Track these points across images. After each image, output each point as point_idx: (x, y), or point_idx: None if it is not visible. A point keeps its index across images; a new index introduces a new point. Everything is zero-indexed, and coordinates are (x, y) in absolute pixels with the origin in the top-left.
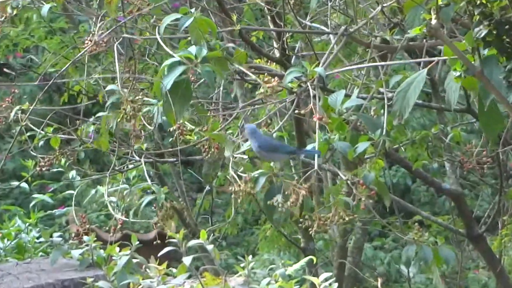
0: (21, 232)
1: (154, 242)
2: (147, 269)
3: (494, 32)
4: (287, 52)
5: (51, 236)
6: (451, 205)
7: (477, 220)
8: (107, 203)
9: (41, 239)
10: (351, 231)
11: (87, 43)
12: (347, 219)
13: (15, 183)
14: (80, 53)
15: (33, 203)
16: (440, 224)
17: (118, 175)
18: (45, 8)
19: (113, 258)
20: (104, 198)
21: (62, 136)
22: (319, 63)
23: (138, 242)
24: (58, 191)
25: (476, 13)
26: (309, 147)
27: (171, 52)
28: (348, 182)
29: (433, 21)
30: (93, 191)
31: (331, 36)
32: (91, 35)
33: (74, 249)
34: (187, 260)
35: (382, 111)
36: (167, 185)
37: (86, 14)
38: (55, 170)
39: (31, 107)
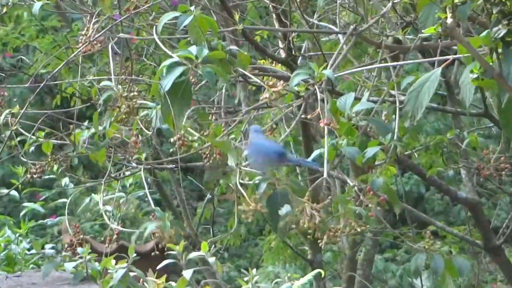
0: (10, 243)
1: (152, 254)
2: (145, 283)
3: None
4: (293, 52)
5: (42, 248)
6: (467, 214)
7: (495, 231)
8: (102, 212)
9: (32, 251)
10: (361, 242)
11: (81, 42)
12: (359, 230)
13: (5, 191)
14: (73, 54)
15: (23, 212)
16: (456, 235)
17: (113, 182)
18: (37, 5)
19: (109, 271)
20: (99, 207)
21: (55, 141)
22: (327, 65)
23: (135, 254)
24: (50, 200)
25: (494, 12)
26: (315, 153)
27: (169, 53)
28: (355, 188)
29: (449, 20)
30: (87, 200)
31: (340, 35)
32: (85, 33)
33: (68, 262)
34: (187, 273)
35: (393, 116)
36: (165, 193)
37: (80, 12)
38: (46, 177)
39: (22, 111)
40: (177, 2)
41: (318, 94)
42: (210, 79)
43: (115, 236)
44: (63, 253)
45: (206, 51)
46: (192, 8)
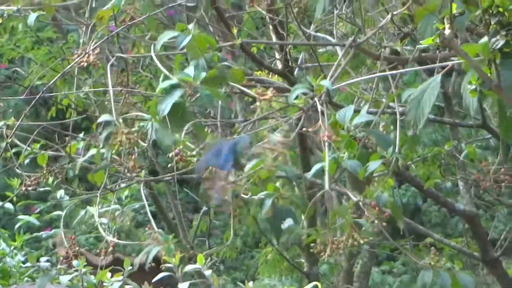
0: (5, 256)
1: (148, 266)
2: None
3: None
4: (290, 63)
5: (38, 260)
6: (465, 226)
7: (493, 243)
8: (97, 225)
9: (27, 264)
10: (358, 254)
11: (78, 55)
12: (362, 242)
13: None
14: (69, 65)
15: (18, 224)
16: (453, 247)
17: (109, 194)
18: (32, 17)
19: (104, 284)
20: (94, 219)
21: (50, 153)
22: (324, 76)
23: (130, 267)
24: (45, 212)
25: (492, 23)
26: (316, 167)
27: (167, 73)
28: (360, 203)
29: (447, 31)
30: (82, 212)
31: (337, 46)
32: (81, 45)
33: (63, 275)
34: (183, 286)
35: (392, 127)
36: (161, 205)
37: (76, 23)
38: (42, 189)
39: (18, 123)
40: (173, 13)
41: (319, 106)
42: (209, 101)
43: (110, 249)
44: (59, 266)
45: (204, 74)
46: (190, 26)
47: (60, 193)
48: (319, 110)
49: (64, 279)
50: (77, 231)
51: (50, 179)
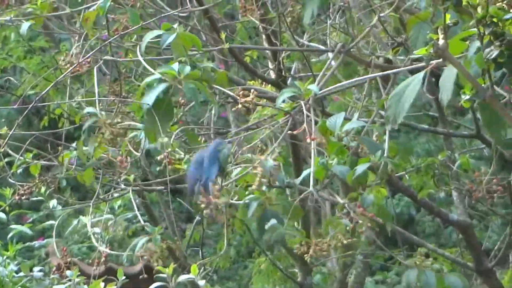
0: None
1: (141, 276)
2: None
3: (506, 53)
4: (283, 73)
5: (31, 270)
6: (459, 237)
7: (487, 253)
8: (90, 234)
9: (21, 273)
10: (352, 264)
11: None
12: (345, 242)
13: None
14: (62, 75)
15: (11, 234)
16: (447, 257)
17: (102, 204)
18: (24, 26)
19: None
20: (87, 229)
21: (43, 162)
22: (312, 80)
23: (124, 277)
24: (37, 222)
25: (486, 33)
26: (305, 172)
27: (152, 70)
28: (345, 205)
29: (441, 41)
30: (75, 222)
31: (330, 55)
32: (71, 54)
33: (56, 284)
34: None
35: (385, 136)
36: (154, 215)
37: (68, 32)
38: (34, 199)
39: (10, 132)
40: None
41: (305, 111)
42: (193, 95)
43: (103, 259)
44: (51, 276)
45: (188, 68)
46: (176, 25)
47: (53, 202)
48: (305, 114)
49: None
50: (69, 240)
51: (43, 189)
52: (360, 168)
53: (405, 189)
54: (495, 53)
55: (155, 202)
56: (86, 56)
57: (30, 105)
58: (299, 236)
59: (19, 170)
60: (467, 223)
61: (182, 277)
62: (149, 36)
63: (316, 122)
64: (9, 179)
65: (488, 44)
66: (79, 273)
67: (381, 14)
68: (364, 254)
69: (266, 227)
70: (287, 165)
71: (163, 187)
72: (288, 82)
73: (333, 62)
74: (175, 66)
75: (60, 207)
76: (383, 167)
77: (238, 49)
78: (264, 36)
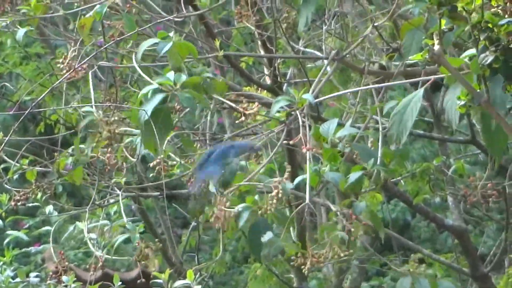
0: None
1: (138, 281)
2: None
3: (501, 59)
4: (278, 78)
5: (27, 276)
6: (454, 242)
7: (482, 258)
8: (86, 240)
9: (17, 279)
10: (347, 269)
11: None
12: (342, 255)
13: None
14: (58, 81)
15: (7, 240)
16: (443, 262)
17: (98, 210)
18: (20, 32)
19: None
20: (83, 235)
21: (39, 168)
22: (307, 89)
23: (120, 282)
24: (33, 227)
25: (482, 38)
26: (298, 179)
27: (148, 79)
28: (338, 213)
29: (436, 47)
30: (71, 227)
31: (325, 61)
32: (66, 59)
33: None
34: None
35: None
36: (150, 220)
37: (64, 39)
38: (30, 204)
39: (6, 138)
40: (162, 28)
41: (300, 119)
42: (189, 105)
43: (99, 264)
44: (48, 282)
45: (184, 77)
46: (171, 34)
47: (49, 208)
48: (300, 123)
49: None
50: (66, 246)
51: (39, 195)
52: (353, 176)
53: (400, 194)
54: (490, 58)
55: (151, 208)
56: (82, 62)
57: (26, 111)
58: (295, 248)
59: (15, 176)
60: (462, 228)
61: (178, 283)
62: (145, 45)
63: (309, 128)
64: (5, 185)
65: (483, 50)
66: (76, 279)
67: (376, 24)
68: (360, 260)
69: (263, 240)
70: (282, 171)
71: (158, 193)
72: (284, 87)
73: (328, 68)
74: (171, 75)
75: (56, 213)
76: (376, 175)
77: (234, 55)
78: (259, 42)
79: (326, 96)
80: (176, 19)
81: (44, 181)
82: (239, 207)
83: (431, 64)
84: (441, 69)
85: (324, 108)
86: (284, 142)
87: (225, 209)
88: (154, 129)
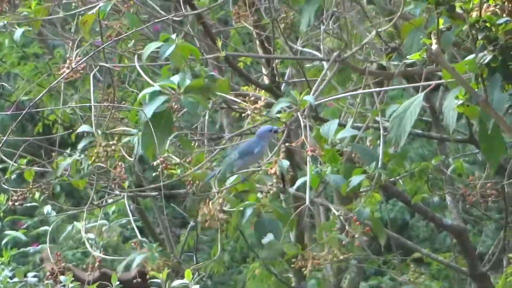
0: None
1: (134, 281)
2: None
3: (499, 58)
4: (276, 78)
5: (25, 276)
6: (453, 241)
7: (481, 258)
8: (84, 240)
9: (15, 279)
10: (346, 269)
11: (63, 70)
12: (341, 257)
13: None
14: (56, 81)
15: (5, 240)
16: (441, 262)
17: (96, 210)
18: (18, 32)
19: None
20: (81, 235)
21: (37, 168)
22: (310, 91)
23: (118, 282)
24: (32, 227)
25: (480, 38)
26: (299, 181)
27: (151, 82)
28: (341, 218)
29: (434, 46)
30: (69, 227)
31: (324, 62)
32: (67, 61)
33: None
34: None
35: (378, 141)
36: (148, 220)
37: (62, 39)
38: (28, 204)
39: (4, 138)
40: (159, 28)
41: (301, 120)
42: (191, 109)
43: (97, 264)
44: (46, 282)
45: (188, 81)
46: (174, 36)
47: (47, 208)
48: (302, 124)
49: None
50: (64, 246)
51: (37, 195)
52: (355, 179)
53: (399, 194)
54: (488, 57)
55: (149, 208)
56: (80, 62)
57: (24, 111)
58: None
59: (13, 176)
60: (461, 227)
61: (176, 283)
62: (149, 48)
63: (310, 129)
64: (3, 185)
65: (481, 49)
66: (74, 278)
67: (380, 30)
68: (359, 259)
69: (264, 242)
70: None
71: (157, 193)
72: (282, 87)
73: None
74: (175, 78)
75: (54, 213)
76: (377, 178)
77: (232, 56)
78: (257, 42)
79: (327, 98)
80: (174, 19)
81: (42, 181)
82: (242, 204)
83: (429, 64)
84: (443, 73)
85: (322, 108)
86: (285, 145)
87: (218, 209)
88: (154, 133)
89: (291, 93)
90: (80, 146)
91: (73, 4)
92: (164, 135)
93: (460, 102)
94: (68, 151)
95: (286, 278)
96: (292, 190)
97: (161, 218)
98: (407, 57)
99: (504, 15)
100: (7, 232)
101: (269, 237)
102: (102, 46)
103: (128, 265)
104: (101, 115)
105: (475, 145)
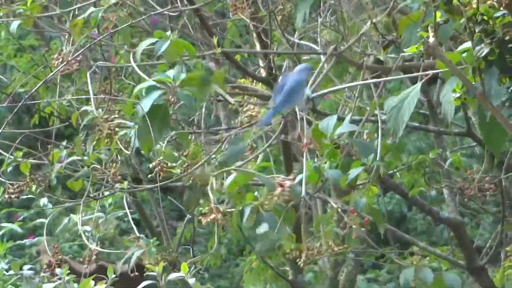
0: None
1: (132, 274)
2: None
3: (497, 51)
4: (273, 71)
5: (21, 268)
6: (450, 234)
7: (478, 251)
8: (80, 233)
9: (11, 271)
10: (343, 262)
11: (57, 60)
12: (336, 249)
13: None
14: (52, 73)
15: (1, 232)
16: (439, 255)
17: (92, 202)
18: (14, 24)
19: None
20: (78, 227)
21: (33, 160)
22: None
23: (114, 275)
24: (28, 220)
25: (477, 31)
26: (298, 177)
27: (146, 77)
28: (339, 209)
29: (431, 39)
30: (66, 220)
31: (321, 57)
32: (61, 52)
33: (46, 283)
34: None
35: (376, 134)
36: (145, 213)
37: (58, 31)
38: (25, 197)
39: (0, 130)
40: (157, 20)
41: (298, 113)
42: (188, 102)
43: (94, 257)
44: (42, 274)
45: (183, 75)
46: (168, 33)
47: (43, 201)
48: (299, 117)
49: (47, 287)
50: (60, 238)
51: (33, 187)
52: (354, 172)
53: (396, 187)
54: (485, 50)
55: (146, 200)
56: (76, 55)
57: (20, 103)
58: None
59: (9, 169)
60: (458, 221)
61: (172, 276)
62: (143, 45)
63: (308, 122)
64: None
65: (479, 42)
66: (70, 271)
67: (375, 20)
68: (356, 252)
69: (258, 232)
70: (277, 164)
71: (153, 185)
72: (279, 80)
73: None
74: (170, 72)
75: (50, 205)
76: (376, 171)
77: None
78: (254, 35)
79: (324, 91)
80: (170, 13)
81: (38, 173)
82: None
83: (427, 57)
84: (438, 64)
85: (319, 101)
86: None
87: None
88: (151, 125)
89: None
90: (82, 123)
91: None
92: (161, 128)
93: (457, 95)
94: (64, 143)
95: (283, 271)
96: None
97: (157, 211)
98: (404, 50)
99: (501, 8)
100: (3, 224)
101: (264, 227)
102: (98, 39)
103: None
104: (97, 107)
105: (473, 138)
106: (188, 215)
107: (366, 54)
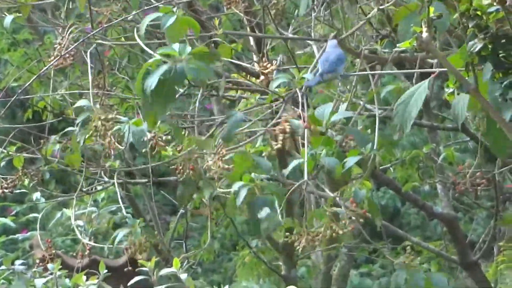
0: None
1: (125, 269)
2: None
3: (490, 46)
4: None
5: (13, 263)
6: (444, 229)
7: (472, 246)
8: (73, 227)
9: (3, 266)
10: (336, 257)
11: (53, 56)
12: (341, 232)
13: None
14: (45, 67)
15: None
16: (432, 250)
17: (85, 197)
18: (8, 18)
19: (80, 287)
20: (71, 222)
21: (26, 155)
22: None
23: (106, 270)
24: (21, 214)
25: (470, 26)
26: (292, 164)
27: (151, 52)
28: (337, 199)
29: (424, 34)
30: (58, 214)
31: (314, 48)
32: (57, 47)
33: (38, 278)
34: None
35: (369, 130)
36: (138, 207)
37: (52, 25)
38: (18, 191)
39: None
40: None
41: (299, 95)
42: (196, 75)
43: (87, 252)
44: (34, 269)
45: (189, 48)
46: (175, 9)
47: (37, 195)
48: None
49: (39, 282)
50: (53, 233)
51: (26, 181)
52: (351, 160)
53: (389, 182)
54: (479, 46)
55: (139, 195)
56: (69, 49)
57: (13, 98)
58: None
59: (3, 163)
60: (451, 216)
61: (164, 271)
62: (148, 19)
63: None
64: None
65: (472, 37)
66: (63, 265)
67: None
68: (349, 247)
69: (260, 216)
70: (271, 159)
71: (146, 180)
72: (273, 75)
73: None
74: (176, 46)
75: (44, 200)
76: (372, 160)
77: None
78: (248, 29)
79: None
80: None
81: (32, 167)
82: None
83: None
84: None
85: (313, 95)
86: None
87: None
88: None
89: (290, 70)
90: (79, 120)
91: None
92: (166, 103)
93: (451, 90)
94: (54, 137)
95: (276, 266)
96: (286, 172)
97: (150, 205)
98: (397, 45)
99: (495, 4)
100: None
101: (265, 210)
102: (92, 33)
103: (118, 251)
104: (92, 102)
105: (466, 133)
106: (181, 210)
107: (361, 49)
